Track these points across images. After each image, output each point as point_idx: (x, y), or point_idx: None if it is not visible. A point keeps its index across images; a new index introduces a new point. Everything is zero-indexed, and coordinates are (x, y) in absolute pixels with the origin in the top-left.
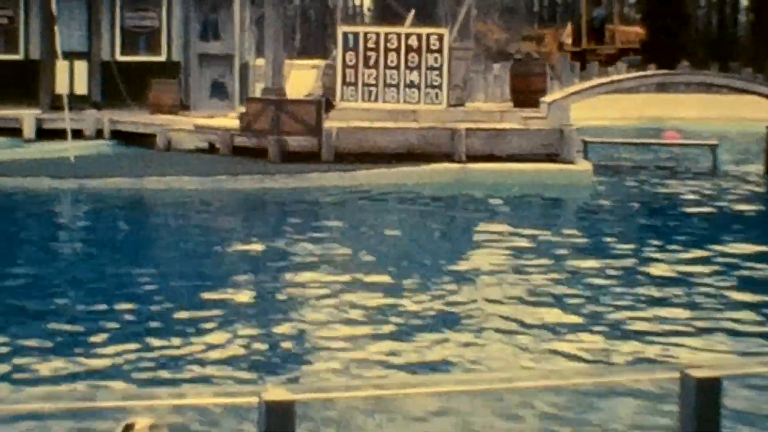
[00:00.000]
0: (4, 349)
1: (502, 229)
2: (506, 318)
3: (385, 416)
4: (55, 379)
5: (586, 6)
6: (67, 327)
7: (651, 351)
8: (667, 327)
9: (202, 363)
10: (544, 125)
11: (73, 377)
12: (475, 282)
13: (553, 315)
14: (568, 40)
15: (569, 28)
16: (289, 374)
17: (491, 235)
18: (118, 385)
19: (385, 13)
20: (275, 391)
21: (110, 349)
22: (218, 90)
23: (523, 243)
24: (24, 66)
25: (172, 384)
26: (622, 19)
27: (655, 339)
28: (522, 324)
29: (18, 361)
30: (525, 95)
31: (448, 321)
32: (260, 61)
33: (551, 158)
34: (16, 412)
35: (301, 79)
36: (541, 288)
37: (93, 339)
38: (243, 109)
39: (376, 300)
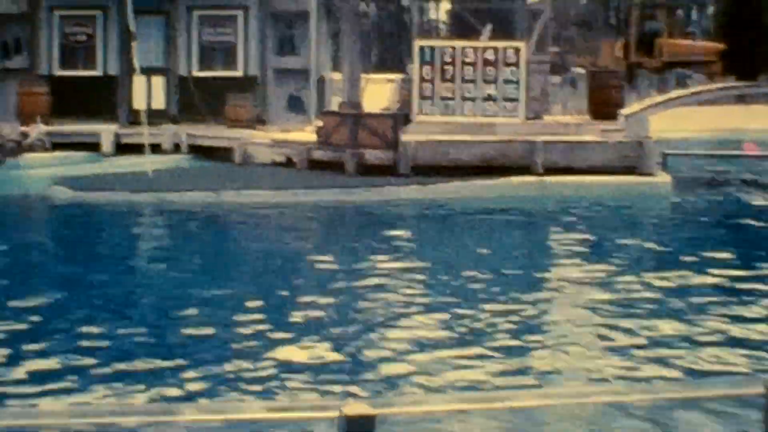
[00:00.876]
0: (107, 369)
1: (582, 241)
2: (594, 330)
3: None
4: (145, 391)
5: (637, 19)
6: (148, 338)
7: (739, 363)
8: (754, 338)
9: (281, 377)
10: (622, 137)
11: (152, 387)
12: (558, 295)
13: (640, 326)
14: (619, 53)
15: (621, 41)
16: (370, 388)
17: (571, 247)
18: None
19: (461, 27)
20: (355, 405)
21: (195, 361)
22: (295, 104)
23: (604, 255)
24: (102, 82)
25: (253, 397)
26: (685, 34)
27: (743, 352)
28: (611, 336)
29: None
30: (603, 107)
31: (532, 333)
32: (337, 75)
33: (630, 170)
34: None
35: (378, 93)
36: (626, 300)
37: (175, 352)
38: (320, 123)
39: (457, 313)
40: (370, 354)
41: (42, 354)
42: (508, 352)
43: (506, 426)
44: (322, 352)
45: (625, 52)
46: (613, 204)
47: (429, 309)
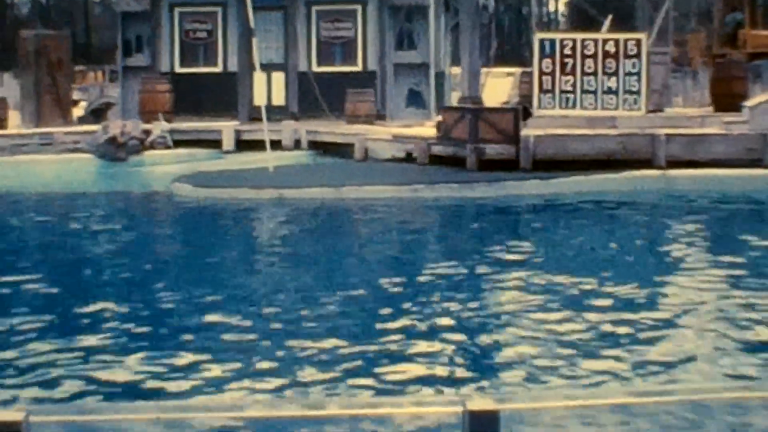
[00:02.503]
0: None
1: (709, 237)
2: (726, 331)
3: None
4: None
5: (719, 11)
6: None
7: None
8: None
9: (405, 372)
10: (746, 130)
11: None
12: (687, 292)
13: None
14: (703, 45)
15: (704, 33)
16: (495, 385)
17: (699, 242)
18: (316, 394)
19: (581, 19)
20: (480, 401)
21: (319, 360)
22: (414, 99)
23: (733, 251)
24: (223, 78)
25: (381, 394)
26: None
27: None
28: (745, 336)
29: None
30: (726, 99)
31: (661, 330)
32: (456, 70)
33: (755, 163)
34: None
35: (498, 87)
36: (759, 300)
37: (299, 346)
38: (440, 118)
39: (584, 311)
40: (491, 348)
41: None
42: (610, 348)
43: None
44: (446, 344)
45: (708, 44)
46: (737, 198)
47: (566, 305)
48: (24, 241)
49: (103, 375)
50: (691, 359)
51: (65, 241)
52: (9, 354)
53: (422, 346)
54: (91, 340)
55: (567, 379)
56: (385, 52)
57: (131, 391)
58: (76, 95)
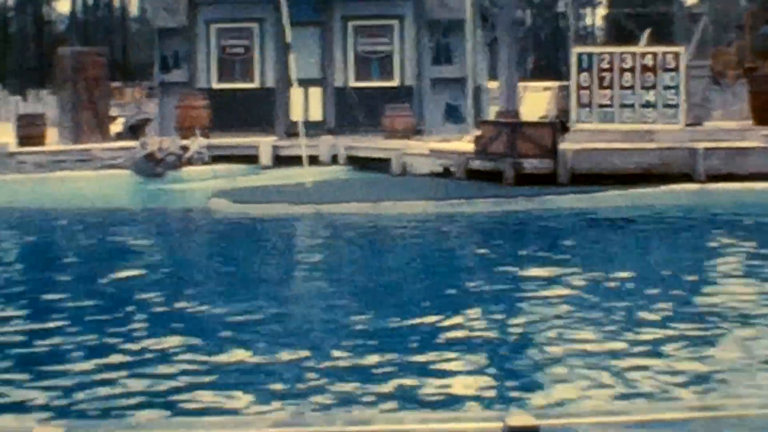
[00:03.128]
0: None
1: (751, 252)
2: None
3: None
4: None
5: (748, 23)
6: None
7: None
8: None
9: (444, 387)
10: None
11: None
12: (734, 311)
13: None
14: (735, 58)
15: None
16: (534, 401)
17: (740, 257)
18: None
19: (618, 33)
20: (519, 416)
21: (368, 373)
22: (452, 113)
23: None
24: (260, 94)
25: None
26: None
27: None
28: None
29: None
30: (765, 113)
31: (705, 348)
32: (493, 84)
33: None
34: None
35: (535, 101)
36: None
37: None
38: (477, 133)
39: (626, 327)
40: (531, 362)
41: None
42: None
43: None
44: (484, 358)
45: (740, 57)
46: None
47: (588, 317)
48: (66, 257)
49: (136, 386)
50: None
51: (108, 257)
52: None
53: (468, 360)
54: (126, 355)
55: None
56: (422, 66)
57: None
58: (113, 111)
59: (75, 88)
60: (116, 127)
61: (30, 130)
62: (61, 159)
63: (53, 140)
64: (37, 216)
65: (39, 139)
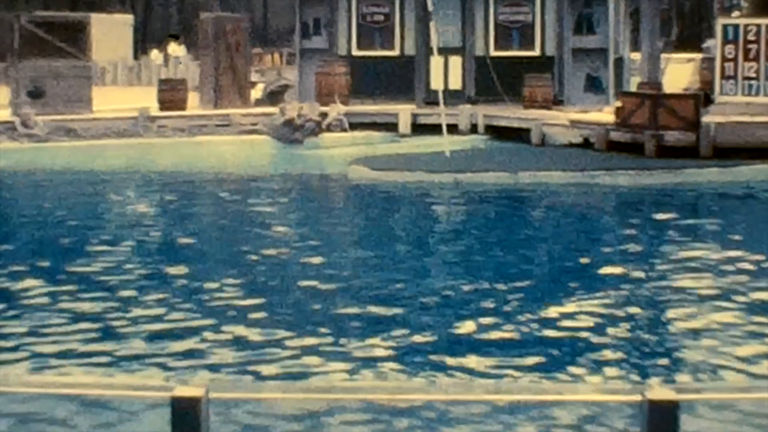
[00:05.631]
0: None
1: None
2: None
3: None
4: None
5: None
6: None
7: None
8: None
9: (580, 361)
10: None
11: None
12: None
13: None
14: None
15: None
16: (673, 376)
17: None
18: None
19: (764, 4)
20: (660, 391)
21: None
22: (592, 84)
23: None
24: (399, 62)
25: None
26: None
27: None
28: None
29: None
30: None
31: None
32: (635, 55)
33: None
34: None
35: (678, 73)
36: None
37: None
38: (618, 104)
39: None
40: (672, 335)
41: None
42: None
43: None
44: (622, 331)
45: None
46: None
47: (729, 294)
48: (210, 221)
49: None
50: None
51: (253, 221)
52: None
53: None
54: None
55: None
56: (563, 36)
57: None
58: (253, 77)
59: (216, 54)
60: (256, 93)
61: (171, 95)
62: (201, 124)
63: (194, 105)
64: (180, 180)
65: (180, 104)
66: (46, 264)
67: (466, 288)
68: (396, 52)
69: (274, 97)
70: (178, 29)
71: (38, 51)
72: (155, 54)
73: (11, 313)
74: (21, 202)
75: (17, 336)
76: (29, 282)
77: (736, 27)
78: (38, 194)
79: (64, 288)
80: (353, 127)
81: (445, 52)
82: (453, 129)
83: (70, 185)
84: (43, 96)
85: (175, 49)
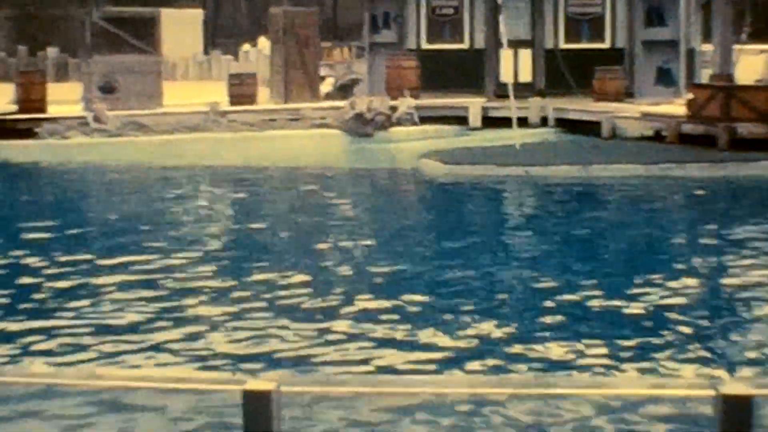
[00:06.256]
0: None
1: None
2: None
3: None
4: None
5: None
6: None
7: None
8: None
9: (648, 355)
10: None
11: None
12: None
13: None
14: None
15: None
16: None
17: None
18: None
19: None
20: (734, 385)
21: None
22: (663, 77)
23: None
24: (469, 55)
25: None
26: None
27: None
28: None
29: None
30: None
31: None
32: (707, 47)
33: None
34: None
35: (751, 64)
36: None
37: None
38: (690, 96)
39: None
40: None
41: None
42: None
43: None
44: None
45: None
46: None
47: None
48: (283, 214)
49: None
50: None
51: (332, 215)
52: None
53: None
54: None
55: None
56: (634, 28)
57: None
58: (323, 71)
59: (286, 48)
60: (325, 87)
61: (241, 89)
62: (271, 118)
63: (264, 99)
64: (252, 174)
65: (250, 98)
66: (125, 259)
67: (554, 282)
68: (465, 45)
69: (343, 91)
70: (247, 24)
71: (110, 46)
72: (246, 48)
73: (87, 309)
74: (95, 196)
75: (88, 330)
76: (106, 278)
77: None
78: (113, 189)
79: (145, 278)
80: (423, 120)
81: (515, 44)
82: (523, 122)
83: (142, 180)
84: (114, 91)
85: (265, 44)
